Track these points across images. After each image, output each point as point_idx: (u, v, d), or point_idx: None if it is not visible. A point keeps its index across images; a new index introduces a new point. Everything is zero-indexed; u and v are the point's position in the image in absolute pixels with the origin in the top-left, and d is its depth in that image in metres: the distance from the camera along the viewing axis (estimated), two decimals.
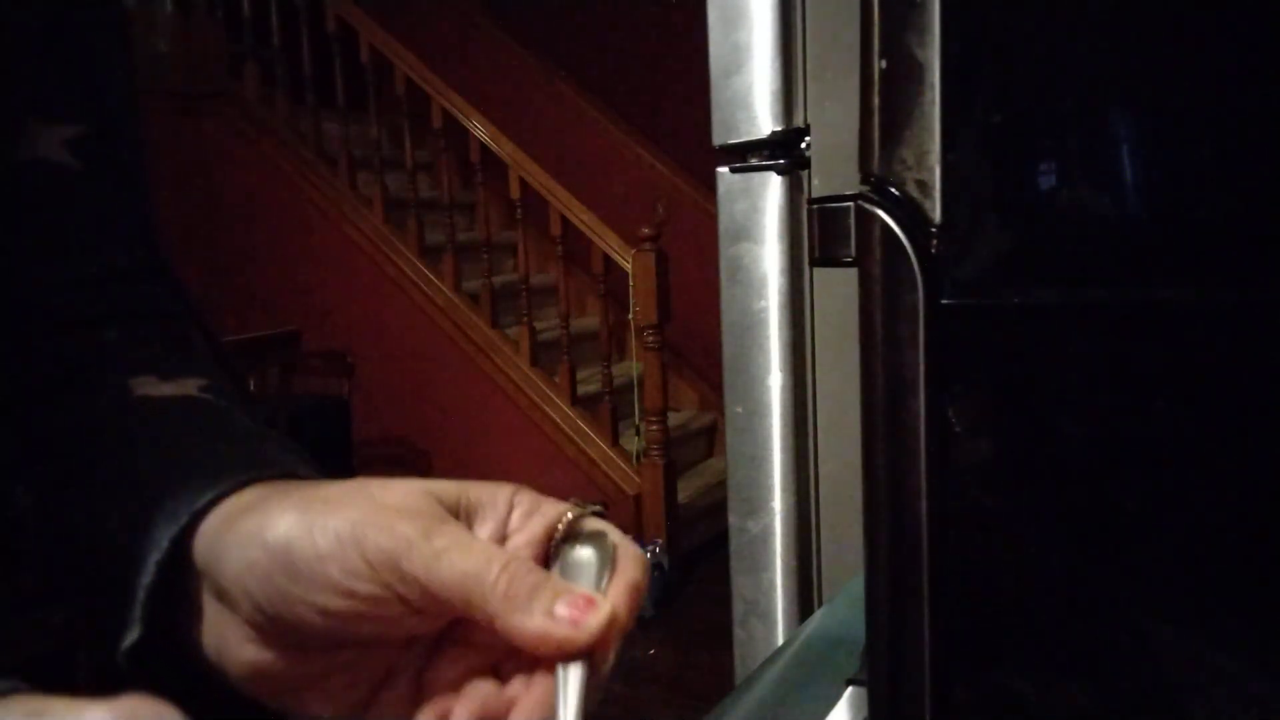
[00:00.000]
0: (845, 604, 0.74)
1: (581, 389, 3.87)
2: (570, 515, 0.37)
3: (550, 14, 5.04)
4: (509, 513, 0.36)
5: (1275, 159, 0.33)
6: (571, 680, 0.32)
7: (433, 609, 0.34)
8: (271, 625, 0.35)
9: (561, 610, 0.32)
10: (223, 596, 0.36)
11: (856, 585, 0.43)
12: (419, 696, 0.36)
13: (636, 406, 3.74)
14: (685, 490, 3.83)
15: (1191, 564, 0.36)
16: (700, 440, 4.42)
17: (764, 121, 0.93)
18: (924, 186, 0.36)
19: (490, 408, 3.95)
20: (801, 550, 0.99)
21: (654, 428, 3.57)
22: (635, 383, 3.73)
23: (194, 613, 0.37)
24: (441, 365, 4.05)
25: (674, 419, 3.91)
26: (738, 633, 1.03)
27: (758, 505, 0.99)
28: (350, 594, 0.33)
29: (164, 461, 0.40)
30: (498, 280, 4.11)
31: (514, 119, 4.36)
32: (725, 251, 0.98)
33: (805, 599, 1.00)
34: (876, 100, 0.37)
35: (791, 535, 0.98)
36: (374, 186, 4.14)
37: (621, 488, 3.67)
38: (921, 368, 0.36)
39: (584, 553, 0.35)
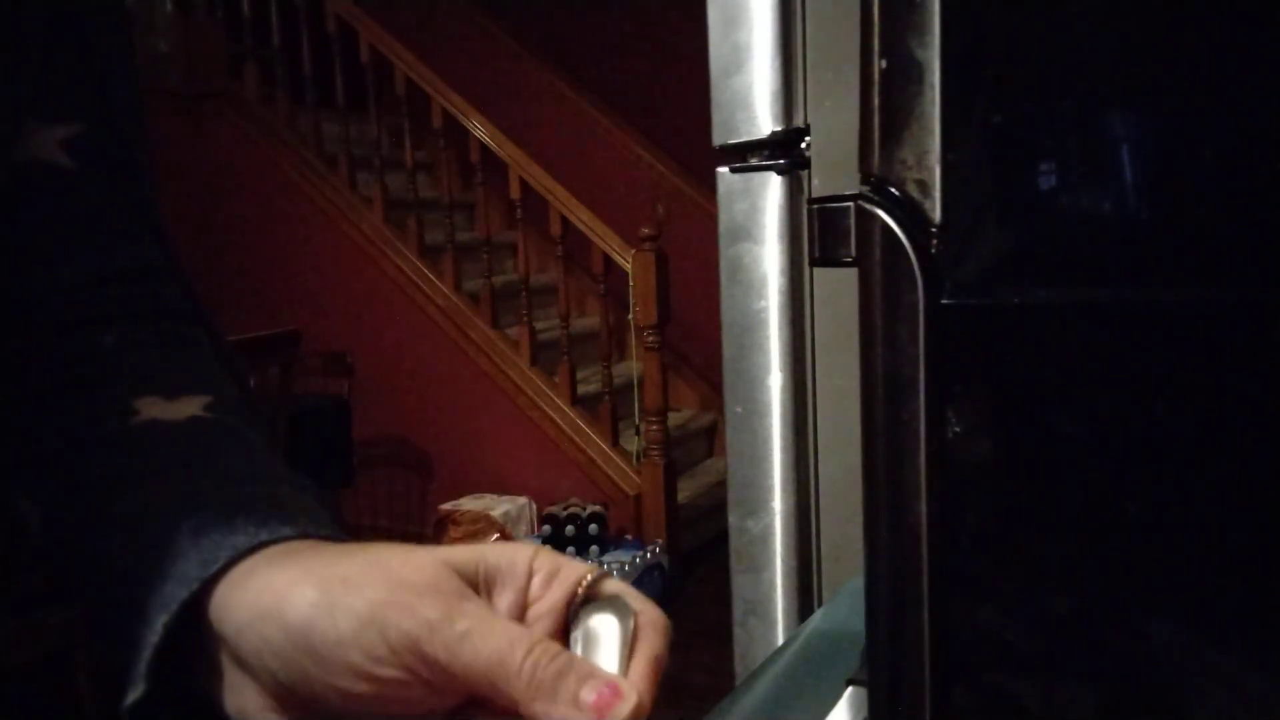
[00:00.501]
0: (845, 604, 0.74)
1: (581, 389, 3.87)
2: (590, 578, 0.36)
3: (550, 14, 5.04)
4: (528, 579, 0.36)
5: (1275, 159, 0.33)
6: None
7: (455, 689, 0.33)
8: (291, 698, 0.34)
9: (588, 697, 0.32)
10: (241, 665, 0.35)
11: (856, 585, 0.43)
12: None
13: (636, 406, 3.74)
14: (685, 490, 3.83)
15: (1192, 564, 0.36)
16: (700, 440, 4.42)
17: (764, 121, 0.93)
18: (924, 186, 0.36)
19: (490, 408, 3.95)
20: (801, 550, 0.99)
21: (654, 428, 3.57)
22: (635, 383, 3.73)
23: (213, 672, 0.36)
24: (441, 365, 4.05)
25: (674, 419, 3.91)
26: (738, 633, 1.03)
27: (758, 505, 0.99)
28: (372, 678, 0.33)
29: (175, 503, 0.39)
30: (498, 280, 4.11)
31: (514, 119, 4.36)
32: (725, 251, 0.98)
33: (805, 599, 1.00)
34: (876, 100, 0.37)
35: (791, 535, 0.98)
36: (374, 186, 4.14)
37: (621, 488, 3.67)
38: (921, 368, 0.36)
39: (605, 620, 0.35)
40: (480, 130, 3.92)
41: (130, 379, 0.45)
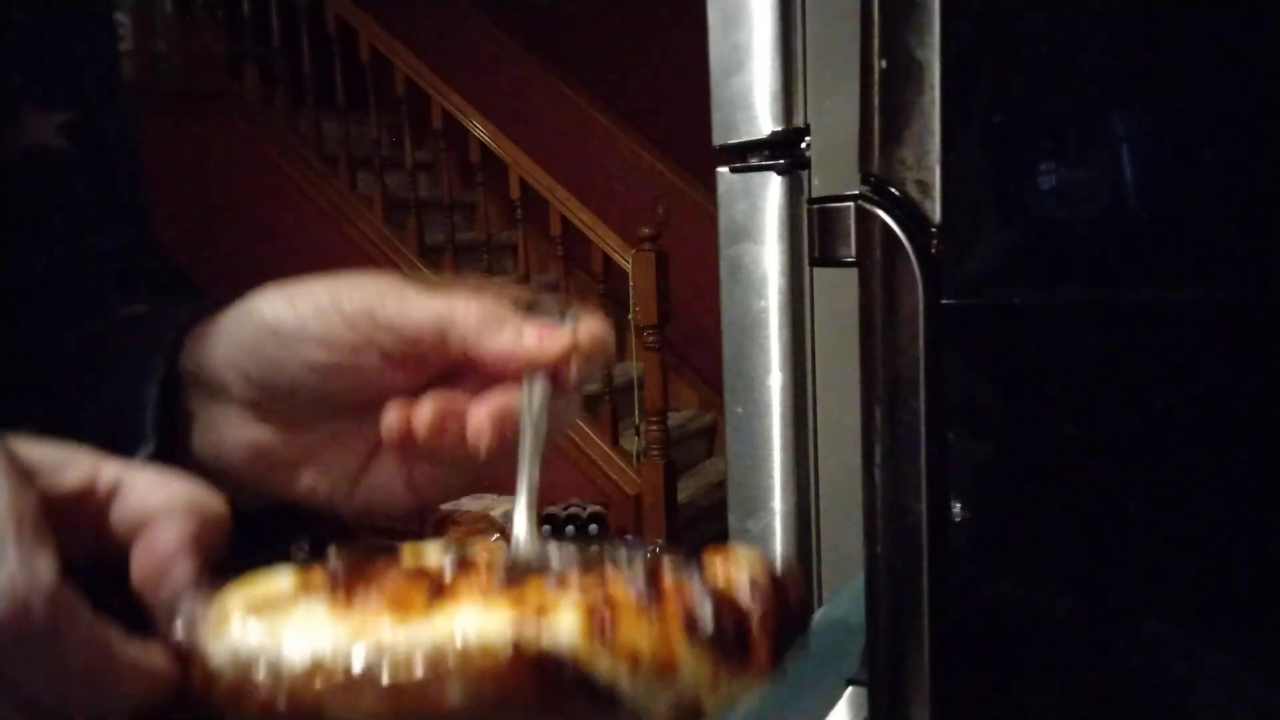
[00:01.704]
0: (845, 603, 0.74)
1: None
2: (532, 292, 0.39)
3: (550, 14, 5.04)
4: (475, 288, 0.39)
5: (1275, 159, 0.33)
6: (536, 392, 0.36)
7: (410, 355, 0.37)
8: (264, 396, 0.38)
9: (529, 332, 0.36)
10: (215, 390, 0.39)
11: (856, 585, 0.43)
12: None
13: (636, 406, 3.74)
14: (685, 490, 3.82)
15: (1192, 563, 0.36)
16: (700, 440, 4.41)
17: (764, 121, 0.93)
18: (924, 186, 0.36)
19: None
20: (801, 550, 0.99)
21: (654, 428, 3.57)
22: (635, 383, 3.72)
23: (189, 424, 0.40)
24: None
25: (674, 419, 3.91)
26: None
27: (758, 505, 0.99)
28: (332, 346, 0.36)
29: (153, 330, 0.42)
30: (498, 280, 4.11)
31: (514, 119, 4.35)
32: (725, 251, 0.98)
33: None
34: (876, 100, 0.37)
35: (791, 535, 0.98)
36: (374, 186, 4.14)
37: (621, 488, 3.66)
38: (921, 368, 0.36)
39: (547, 313, 0.38)
40: (480, 130, 3.92)
41: (118, 304, 0.48)
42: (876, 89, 0.37)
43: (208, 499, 0.30)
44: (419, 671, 0.27)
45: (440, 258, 4.06)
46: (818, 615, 0.75)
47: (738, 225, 0.97)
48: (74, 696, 0.26)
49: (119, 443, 0.40)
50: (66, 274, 0.49)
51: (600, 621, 0.27)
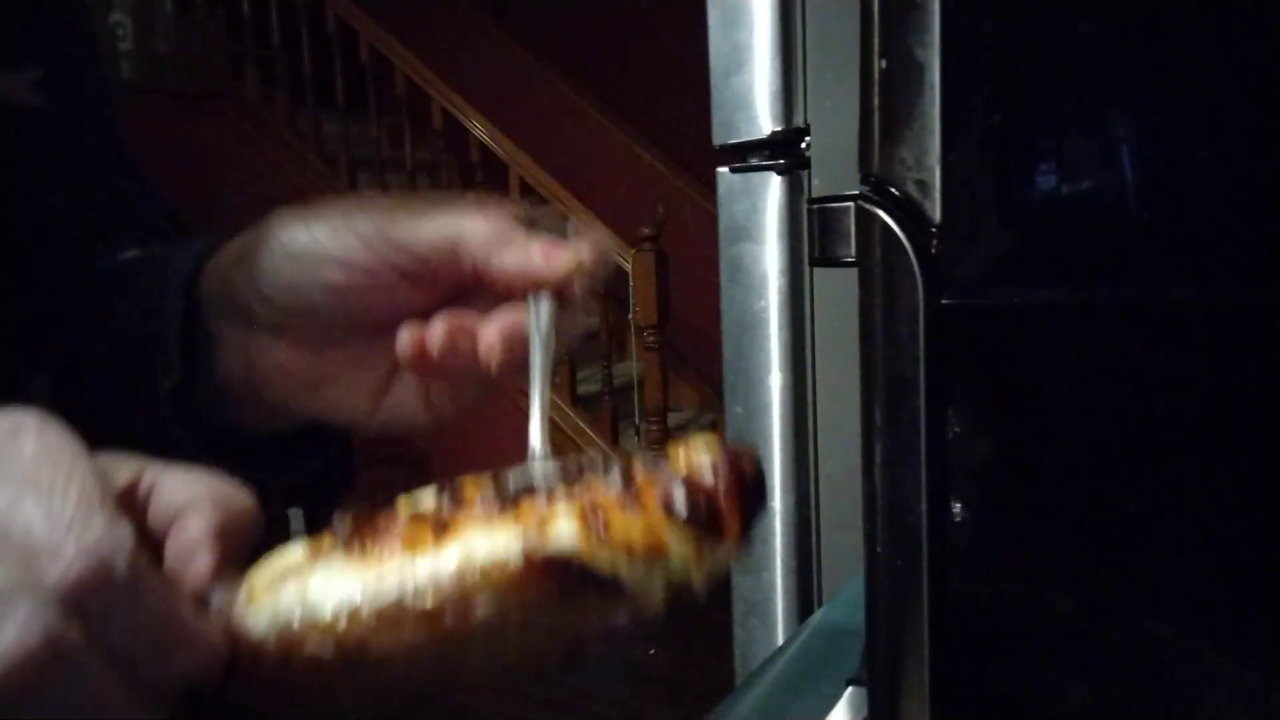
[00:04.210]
0: (845, 604, 0.74)
1: (581, 389, 3.87)
2: (530, 208, 0.41)
3: (551, 14, 5.04)
4: (480, 204, 0.40)
5: (1275, 159, 0.33)
6: (543, 310, 0.38)
7: (423, 273, 0.38)
8: (285, 317, 0.40)
9: (535, 250, 0.37)
10: (237, 316, 0.41)
11: (856, 585, 0.43)
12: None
13: (636, 406, 3.74)
14: None
15: (1192, 563, 0.36)
16: None
17: (764, 121, 0.93)
18: (924, 186, 0.36)
19: (490, 407, 3.93)
20: (801, 550, 0.99)
21: (654, 428, 3.57)
22: (635, 383, 3.72)
23: (213, 345, 0.42)
24: None
25: (674, 419, 3.91)
26: (738, 633, 1.03)
27: None
28: (348, 266, 0.38)
29: (166, 269, 0.44)
30: None
31: (514, 119, 4.35)
32: (725, 251, 0.98)
33: (805, 599, 1.00)
34: (876, 100, 0.37)
35: (791, 535, 0.98)
36: (374, 186, 4.14)
37: None
38: (921, 368, 0.36)
39: (549, 228, 0.40)
40: (480, 130, 3.92)
41: (115, 252, 0.50)
42: (876, 89, 0.37)
43: (233, 492, 0.31)
44: (448, 594, 0.29)
45: None
46: (817, 616, 0.75)
47: (738, 225, 0.97)
48: (145, 658, 0.28)
49: (143, 378, 0.42)
50: (55, 229, 0.50)
51: (595, 522, 0.30)
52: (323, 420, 0.43)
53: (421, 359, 0.39)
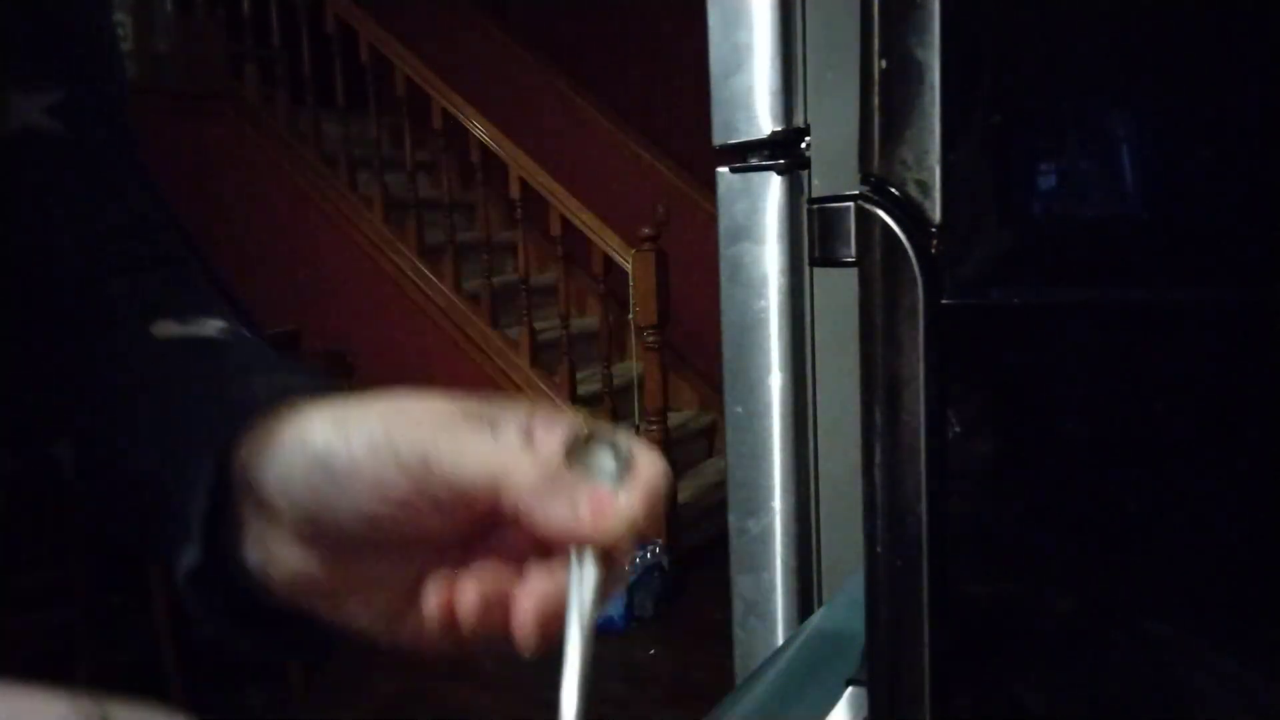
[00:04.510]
0: (845, 604, 0.74)
1: (581, 389, 3.87)
2: (588, 424, 0.37)
3: (551, 14, 5.04)
4: (530, 423, 0.37)
5: (1275, 159, 0.33)
6: (586, 573, 0.34)
7: (462, 507, 0.35)
8: (313, 529, 0.37)
9: (584, 504, 0.34)
10: (266, 508, 0.37)
11: (856, 585, 0.43)
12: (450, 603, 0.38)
13: (636, 406, 3.74)
14: (685, 490, 3.82)
15: (1192, 563, 0.36)
16: (700, 440, 4.41)
17: (764, 121, 0.93)
18: (924, 186, 0.36)
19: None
20: (801, 550, 0.99)
21: (654, 428, 3.57)
22: (635, 383, 3.72)
23: (239, 528, 0.39)
24: (441, 365, 4.04)
25: (674, 419, 3.91)
26: (738, 633, 1.03)
27: (758, 505, 0.99)
28: (385, 495, 0.35)
29: (198, 398, 0.41)
30: (498, 280, 4.10)
31: (514, 119, 4.35)
32: (725, 251, 0.98)
33: (805, 599, 1.00)
34: (876, 100, 0.37)
35: (791, 535, 0.98)
36: (374, 186, 4.14)
37: None
38: (921, 368, 0.36)
39: (602, 456, 0.36)
40: (480, 130, 3.92)
41: (143, 310, 0.47)
42: (876, 89, 0.37)
43: None
44: None
45: (440, 258, 4.06)
46: (817, 616, 0.75)
47: (738, 225, 0.97)
48: None
49: (157, 533, 0.40)
50: (72, 263, 0.48)
51: None
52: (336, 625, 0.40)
53: (449, 624, 0.36)
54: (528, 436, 0.36)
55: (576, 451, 0.36)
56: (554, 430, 0.37)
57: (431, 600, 0.37)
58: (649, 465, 0.36)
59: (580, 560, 0.35)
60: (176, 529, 0.38)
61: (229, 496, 0.38)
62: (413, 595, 0.38)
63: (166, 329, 0.46)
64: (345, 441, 0.35)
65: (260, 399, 0.39)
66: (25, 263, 0.47)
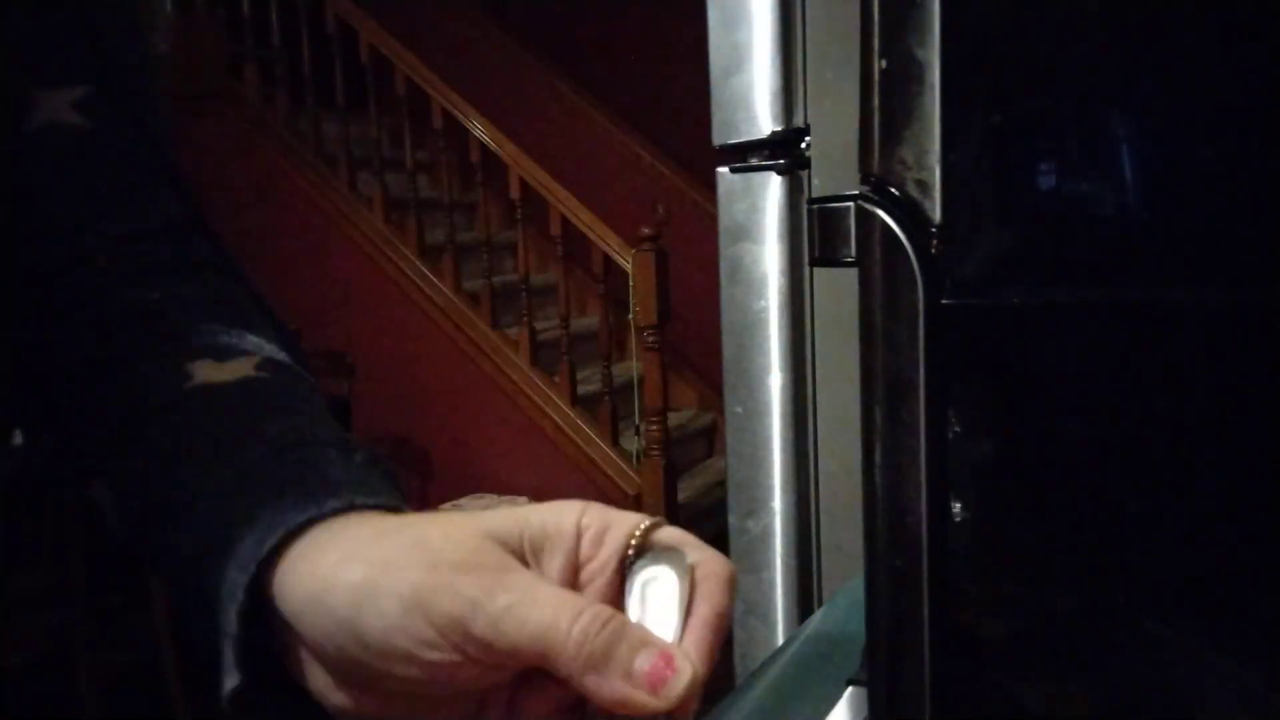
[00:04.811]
0: (845, 604, 0.74)
1: (581, 389, 3.87)
2: (642, 527, 0.35)
3: (551, 14, 5.04)
4: (577, 540, 0.35)
5: (1275, 159, 0.33)
6: None
7: (509, 665, 0.33)
8: (352, 677, 0.34)
9: (641, 668, 0.31)
10: (305, 644, 0.35)
11: (856, 585, 0.43)
12: None
13: (636, 406, 3.74)
14: (685, 490, 3.82)
15: (1192, 563, 0.36)
16: (700, 440, 4.41)
17: (764, 121, 0.93)
18: (924, 186, 0.36)
19: (490, 407, 3.95)
20: (801, 550, 0.99)
21: (654, 428, 3.57)
22: (635, 383, 3.72)
23: (287, 649, 0.36)
24: (441, 365, 4.04)
25: (674, 419, 3.91)
26: (738, 633, 1.03)
27: (758, 505, 0.99)
28: (422, 663, 0.32)
29: (230, 481, 0.39)
30: (498, 280, 4.10)
31: (514, 119, 4.35)
32: (725, 251, 0.98)
33: (805, 599, 1.00)
34: (876, 100, 0.37)
35: (791, 535, 0.98)
36: (374, 186, 4.14)
37: (621, 488, 3.67)
38: (921, 368, 0.36)
39: (661, 574, 0.34)
40: (480, 130, 3.92)
41: (182, 340, 0.45)
42: (876, 89, 0.37)
43: None
44: None
45: (440, 258, 4.06)
46: (817, 616, 0.75)
47: (738, 225, 0.97)
48: None
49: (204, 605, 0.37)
50: (100, 266, 0.46)
51: None
52: None
53: None
54: (575, 570, 0.34)
55: (631, 563, 0.34)
56: (606, 545, 0.34)
57: None
58: (714, 579, 0.33)
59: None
60: (213, 641, 0.36)
61: (271, 616, 0.36)
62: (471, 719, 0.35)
63: (202, 370, 0.43)
64: (374, 602, 0.32)
65: (289, 503, 0.36)
66: (48, 262, 0.46)
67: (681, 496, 3.73)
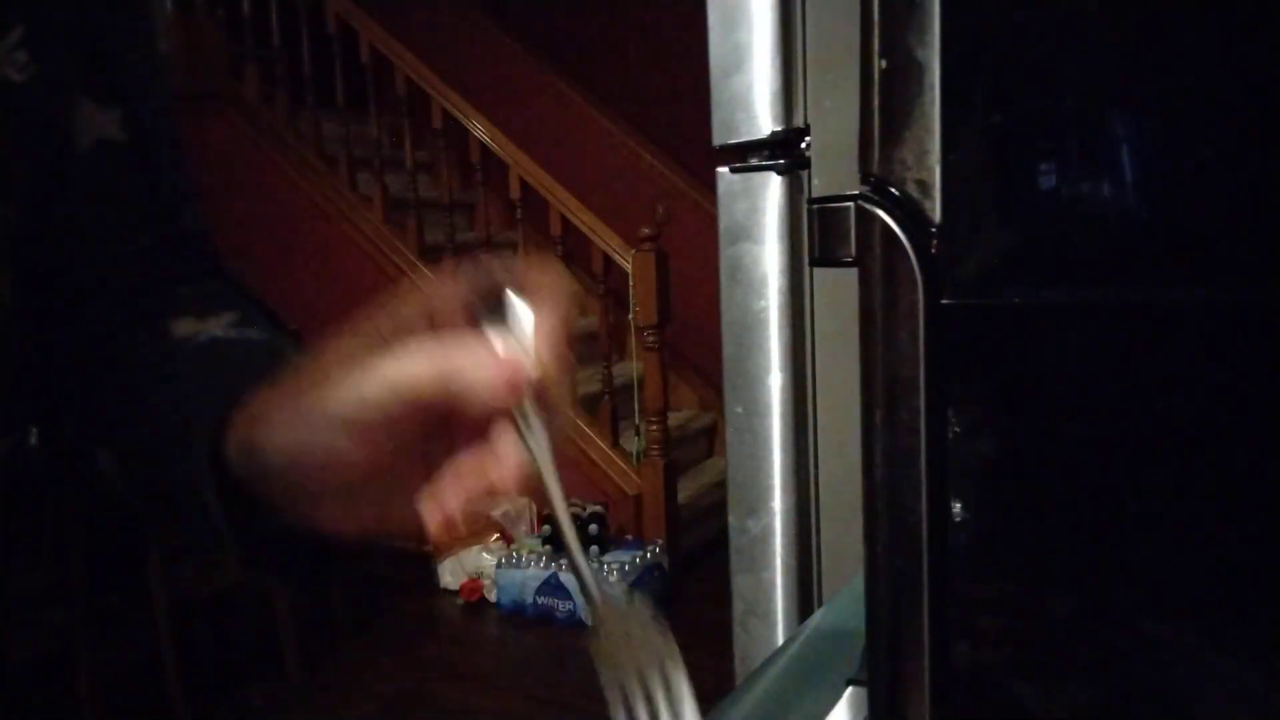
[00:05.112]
0: (845, 604, 0.74)
1: (581, 389, 3.87)
2: (490, 270, 0.41)
3: (550, 14, 5.04)
4: (429, 305, 0.42)
5: (1275, 159, 0.33)
6: (533, 425, 0.38)
7: (407, 415, 0.38)
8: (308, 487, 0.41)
9: (497, 376, 0.37)
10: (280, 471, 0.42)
11: (856, 585, 0.43)
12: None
13: (636, 406, 3.74)
14: (685, 490, 3.82)
15: (1192, 564, 0.36)
16: (700, 440, 4.41)
17: (764, 121, 0.93)
18: (924, 186, 0.36)
19: None
20: (801, 550, 0.99)
21: (654, 428, 3.57)
22: (635, 383, 3.73)
23: (257, 491, 0.43)
24: None
25: (674, 419, 3.91)
26: (738, 633, 1.03)
27: (758, 505, 0.99)
28: (351, 428, 0.39)
29: (197, 395, 0.45)
30: None
31: (514, 119, 4.35)
32: (725, 251, 0.98)
33: (805, 599, 1.00)
34: (876, 100, 0.37)
35: (791, 535, 0.98)
36: (374, 186, 4.14)
37: (621, 488, 3.67)
38: (921, 368, 0.36)
39: (509, 304, 0.40)
40: (480, 130, 3.92)
41: (168, 309, 0.51)
42: (876, 89, 0.37)
43: None
44: None
45: (440, 258, 4.06)
46: (817, 616, 0.75)
47: (738, 225, 0.97)
48: None
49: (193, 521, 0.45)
50: (130, 273, 0.51)
51: None
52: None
53: (452, 531, 0.39)
54: (430, 320, 0.41)
55: (486, 306, 0.40)
56: (448, 312, 0.41)
57: (433, 524, 0.39)
58: (548, 299, 0.39)
59: (522, 417, 0.38)
60: (200, 522, 0.43)
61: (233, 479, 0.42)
62: (388, 499, 0.41)
63: (183, 326, 0.50)
64: (294, 434, 0.40)
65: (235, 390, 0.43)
66: (88, 273, 0.50)
67: (681, 496, 3.73)
